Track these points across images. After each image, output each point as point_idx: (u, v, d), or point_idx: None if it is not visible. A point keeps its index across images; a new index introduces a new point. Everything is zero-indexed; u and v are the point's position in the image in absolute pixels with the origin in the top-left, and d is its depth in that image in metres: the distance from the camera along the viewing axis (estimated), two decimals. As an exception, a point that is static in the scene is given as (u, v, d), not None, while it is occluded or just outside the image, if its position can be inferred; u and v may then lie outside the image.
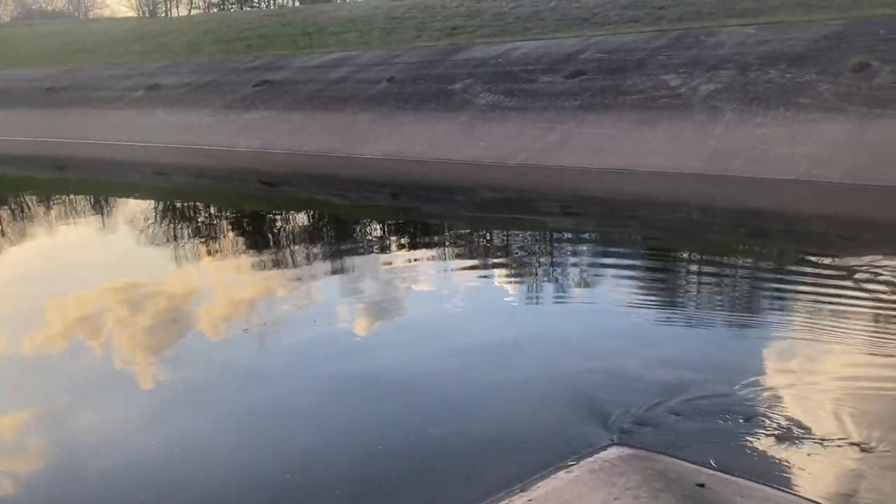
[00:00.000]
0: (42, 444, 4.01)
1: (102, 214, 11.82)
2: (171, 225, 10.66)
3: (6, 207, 12.58)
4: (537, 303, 6.27)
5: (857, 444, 3.54)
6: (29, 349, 5.46)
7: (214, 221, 11.06)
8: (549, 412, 4.04)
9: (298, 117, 18.53)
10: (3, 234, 10.14)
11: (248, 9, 55.46)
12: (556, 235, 9.03)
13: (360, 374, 4.72)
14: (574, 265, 7.52)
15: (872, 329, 5.16)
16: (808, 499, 3.12)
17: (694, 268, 7.55)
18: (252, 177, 15.33)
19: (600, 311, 5.98)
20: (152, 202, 12.60)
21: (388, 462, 3.59)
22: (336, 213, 11.26)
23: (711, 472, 3.29)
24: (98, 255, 8.82)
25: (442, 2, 26.26)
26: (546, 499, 3.11)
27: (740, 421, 3.79)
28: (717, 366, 4.59)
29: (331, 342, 5.37)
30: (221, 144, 18.07)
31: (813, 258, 7.17)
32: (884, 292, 5.85)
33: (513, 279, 7.04)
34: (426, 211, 11.24)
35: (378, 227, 10.12)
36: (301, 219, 10.96)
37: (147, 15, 64.84)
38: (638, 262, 7.56)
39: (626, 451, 3.49)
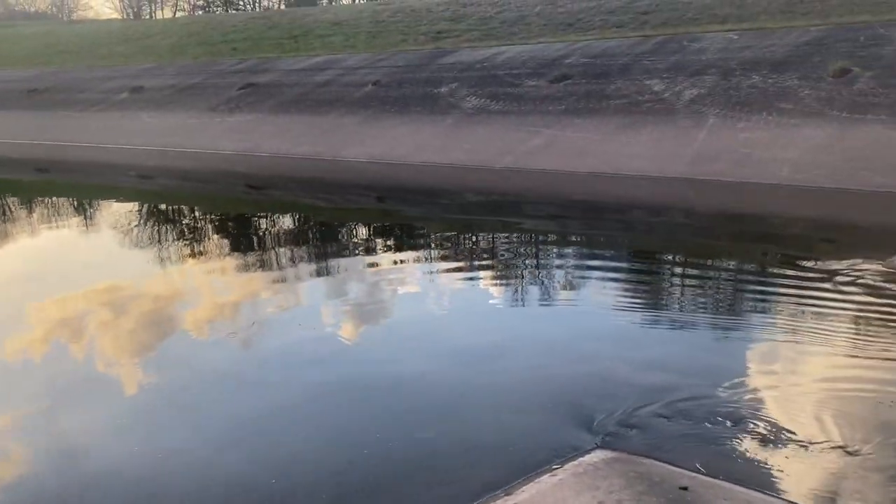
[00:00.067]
0: (19, 449, 3.96)
1: (85, 218, 11.71)
2: (155, 228, 10.58)
3: (-14, 210, 12.44)
4: (522, 305, 6.27)
5: (840, 447, 3.57)
6: (7, 353, 5.39)
7: (198, 225, 10.99)
8: (533, 415, 4.04)
9: (284, 120, 18.48)
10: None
11: (234, 11, 55.29)
12: (540, 238, 9.06)
13: (345, 378, 4.71)
14: (558, 267, 7.54)
15: (854, 331, 5.21)
16: (790, 501, 3.14)
17: (677, 270, 7.59)
18: (237, 180, 15.26)
19: (584, 313, 5.99)
20: (135, 205, 12.50)
21: (372, 465, 3.58)
22: (321, 217, 11.23)
23: (694, 474, 3.30)
24: (78, 259, 8.74)
25: (427, 6, 26.31)
26: (530, 502, 3.12)
27: (724, 424, 3.81)
28: (701, 368, 4.62)
29: (315, 345, 5.35)
30: (206, 147, 17.97)
31: (795, 261, 7.23)
32: (865, 295, 5.91)
33: (497, 282, 7.05)
34: (411, 214, 11.23)
35: (364, 230, 10.10)
36: (286, 222, 10.91)
37: (131, 17, 64.47)
38: (622, 265, 7.59)
39: (609, 454, 3.50)
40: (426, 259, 7.99)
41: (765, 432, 3.72)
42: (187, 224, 11.06)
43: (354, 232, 10.03)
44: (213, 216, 11.61)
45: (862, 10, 16.06)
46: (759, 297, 6.28)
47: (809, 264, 6.99)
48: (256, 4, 63.47)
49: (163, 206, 12.64)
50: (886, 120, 11.37)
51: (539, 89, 16.00)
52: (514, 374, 4.62)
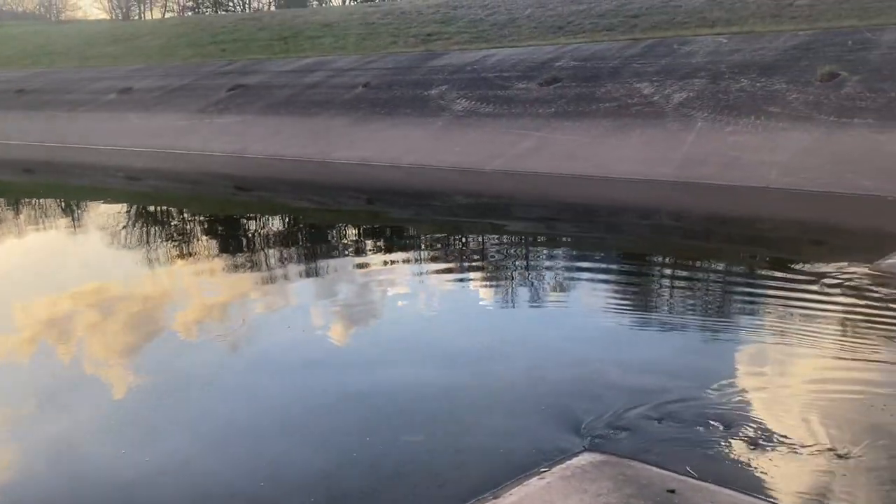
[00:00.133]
0: (2, 453, 3.92)
1: (72, 219, 11.63)
2: (142, 230, 10.51)
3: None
4: (511, 307, 6.26)
5: (829, 449, 3.58)
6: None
7: (187, 226, 10.93)
8: (521, 418, 4.03)
9: (273, 122, 18.42)
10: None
11: (223, 12, 55.14)
12: (530, 240, 9.06)
13: (333, 380, 4.69)
14: (548, 269, 7.54)
15: (842, 333, 5.24)
16: None
17: (666, 273, 7.61)
18: (226, 181, 15.19)
19: (573, 315, 5.99)
20: (123, 206, 12.41)
21: (360, 468, 3.56)
22: (311, 219, 11.19)
23: (683, 477, 3.30)
24: (64, 261, 8.67)
25: (418, 8, 26.32)
26: (518, 505, 3.10)
27: (712, 426, 3.81)
28: (689, 371, 4.62)
29: (303, 347, 5.32)
30: (195, 149, 17.90)
31: (783, 264, 7.26)
32: (852, 297, 5.94)
33: (487, 284, 7.04)
34: (401, 216, 11.21)
35: (353, 232, 10.08)
36: (275, 224, 10.87)
37: (120, 17, 64.19)
38: (611, 267, 7.60)
39: (597, 457, 3.49)
40: (416, 261, 7.97)
41: (753, 435, 3.72)
42: (175, 226, 10.99)
43: (344, 234, 10.00)
44: (201, 218, 11.55)
45: (850, 14, 16.19)
46: (747, 299, 6.30)
47: (797, 267, 7.02)
48: (246, 6, 63.32)
49: (151, 208, 12.57)
50: (873, 124, 11.45)
51: (529, 92, 16.02)
52: (502, 377, 4.61)
